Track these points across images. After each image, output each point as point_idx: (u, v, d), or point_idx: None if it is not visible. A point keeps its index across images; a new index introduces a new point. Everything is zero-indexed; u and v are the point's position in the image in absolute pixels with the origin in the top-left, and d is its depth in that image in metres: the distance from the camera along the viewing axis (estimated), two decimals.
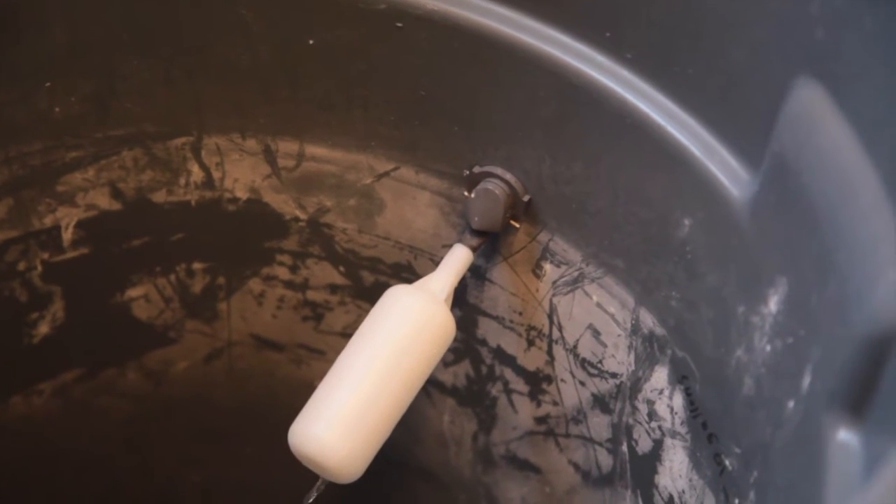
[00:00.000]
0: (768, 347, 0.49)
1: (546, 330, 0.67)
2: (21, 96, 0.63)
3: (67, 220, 0.70)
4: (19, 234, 0.69)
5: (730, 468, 0.53)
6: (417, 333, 0.60)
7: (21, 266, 0.71)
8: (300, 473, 0.61)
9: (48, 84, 0.63)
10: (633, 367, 0.62)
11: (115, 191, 0.70)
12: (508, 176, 0.62)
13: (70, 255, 0.72)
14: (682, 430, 0.58)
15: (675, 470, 0.59)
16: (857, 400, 0.41)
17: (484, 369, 0.73)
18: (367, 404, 0.58)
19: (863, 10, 0.41)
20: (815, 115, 0.44)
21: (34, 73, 0.62)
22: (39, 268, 0.71)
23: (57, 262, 0.72)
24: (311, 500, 0.64)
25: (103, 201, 0.70)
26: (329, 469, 0.58)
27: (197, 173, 0.71)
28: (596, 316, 0.63)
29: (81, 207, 0.70)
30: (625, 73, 0.55)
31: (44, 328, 0.75)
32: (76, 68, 0.63)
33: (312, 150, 0.69)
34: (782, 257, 0.47)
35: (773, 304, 0.48)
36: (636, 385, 0.62)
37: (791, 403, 0.46)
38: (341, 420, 0.57)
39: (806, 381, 0.44)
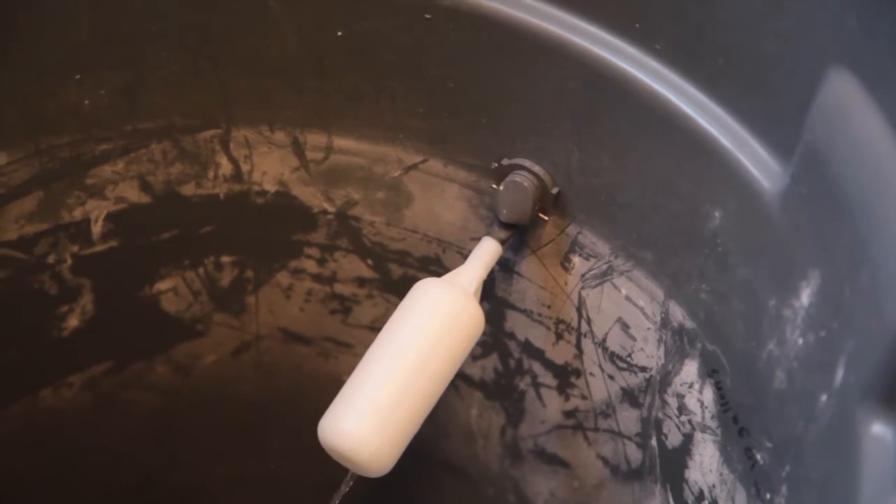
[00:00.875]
0: (800, 340, 0.48)
1: (575, 323, 0.67)
2: (51, 89, 0.63)
3: (97, 212, 0.70)
4: (49, 226, 0.69)
5: (761, 462, 0.53)
6: (447, 327, 0.60)
7: (51, 259, 0.71)
8: (327, 467, 0.61)
9: (78, 76, 0.63)
10: (662, 361, 0.61)
11: (145, 183, 0.70)
12: (537, 168, 0.62)
13: (99, 248, 0.72)
14: (713, 424, 0.58)
15: (706, 464, 0.59)
16: (893, 392, 0.40)
17: (512, 363, 0.73)
18: (397, 398, 0.58)
19: None
20: (848, 105, 0.44)
21: (63, 65, 0.62)
22: (69, 261, 0.72)
23: (86, 255, 0.72)
24: (341, 495, 0.64)
25: (132, 194, 0.70)
26: (359, 463, 0.58)
27: (226, 166, 0.71)
28: (625, 309, 0.63)
29: (111, 200, 0.70)
30: (654, 64, 0.54)
31: (73, 321, 0.75)
32: (105, 60, 0.63)
33: (340, 142, 0.69)
34: (815, 249, 0.47)
35: (805, 296, 0.48)
36: (666, 379, 0.61)
37: (824, 397, 0.45)
38: (371, 414, 0.57)
39: (839, 374, 0.44)
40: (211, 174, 0.71)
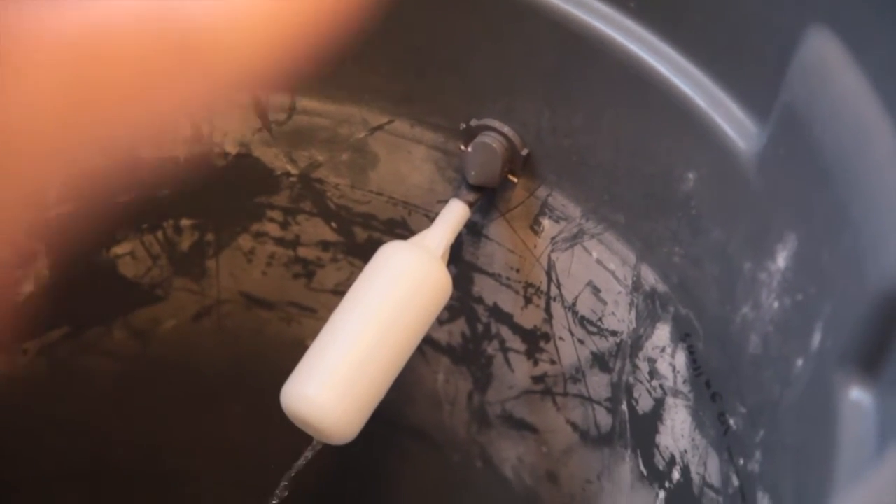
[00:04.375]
0: (776, 304, 0.47)
1: (544, 287, 0.66)
2: None
3: None
4: None
5: (734, 428, 0.52)
6: (413, 291, 0.59)
7: None
8: (290, 434, 0.60)
9: None
10: (633, 325, 0.61)
11: None
12: (506, 129, 0.61)
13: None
14: (685, 388, 0.57)
15: (677, 429, 0.58)
16: (871, 358, 0.40)
17: (480, 327, 0.72)
18: (361, 364, 0.57)
19: None
20: (828, 64, 0.43)
21: None
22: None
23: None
24: (304, 462, 0.63)
25: None
26: (323, 430, 0.57)
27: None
28: (596, 273, 0.62)
29: None
30: (628, 22, 0.53)
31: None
32: None
33: (304, 103, 0.67)
34: (792, 211, 0.46)
35: (781, 259, 0.47)
36: (637, 343, 0.61)
37: (800, 361, 0.45)
38: (335, 380, 0.56)
39: (816, 338, 0.43)
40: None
